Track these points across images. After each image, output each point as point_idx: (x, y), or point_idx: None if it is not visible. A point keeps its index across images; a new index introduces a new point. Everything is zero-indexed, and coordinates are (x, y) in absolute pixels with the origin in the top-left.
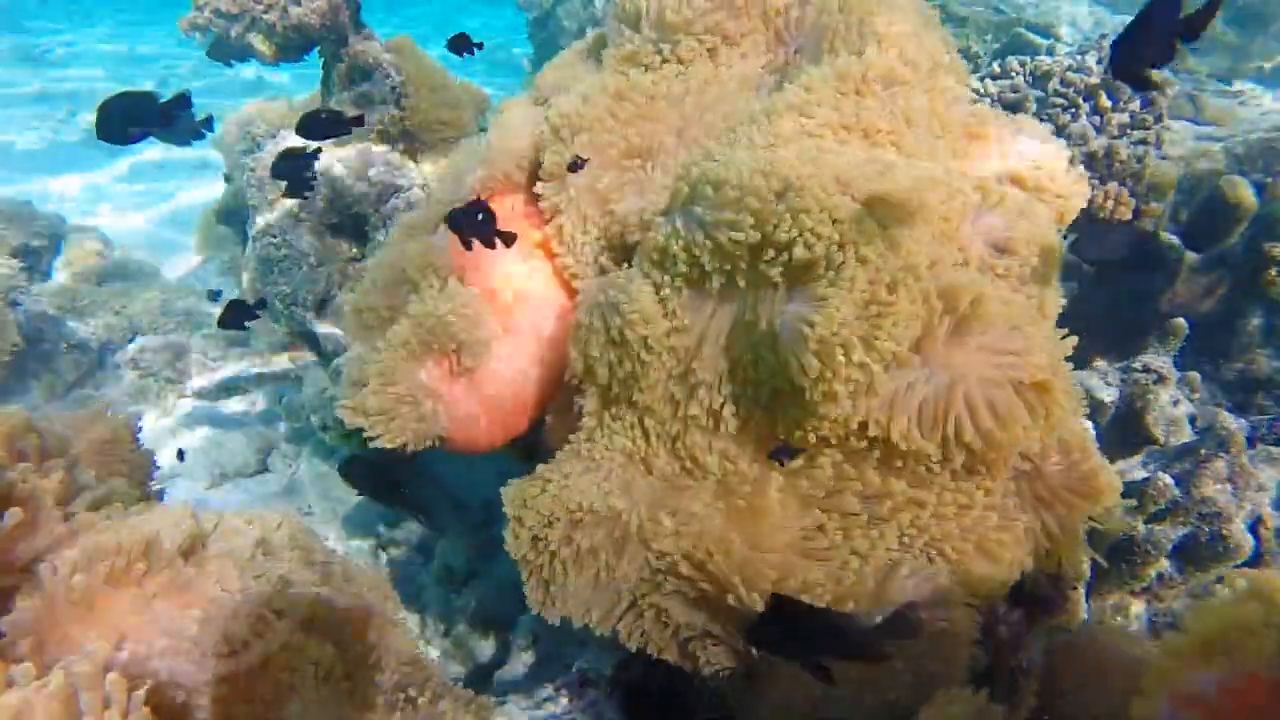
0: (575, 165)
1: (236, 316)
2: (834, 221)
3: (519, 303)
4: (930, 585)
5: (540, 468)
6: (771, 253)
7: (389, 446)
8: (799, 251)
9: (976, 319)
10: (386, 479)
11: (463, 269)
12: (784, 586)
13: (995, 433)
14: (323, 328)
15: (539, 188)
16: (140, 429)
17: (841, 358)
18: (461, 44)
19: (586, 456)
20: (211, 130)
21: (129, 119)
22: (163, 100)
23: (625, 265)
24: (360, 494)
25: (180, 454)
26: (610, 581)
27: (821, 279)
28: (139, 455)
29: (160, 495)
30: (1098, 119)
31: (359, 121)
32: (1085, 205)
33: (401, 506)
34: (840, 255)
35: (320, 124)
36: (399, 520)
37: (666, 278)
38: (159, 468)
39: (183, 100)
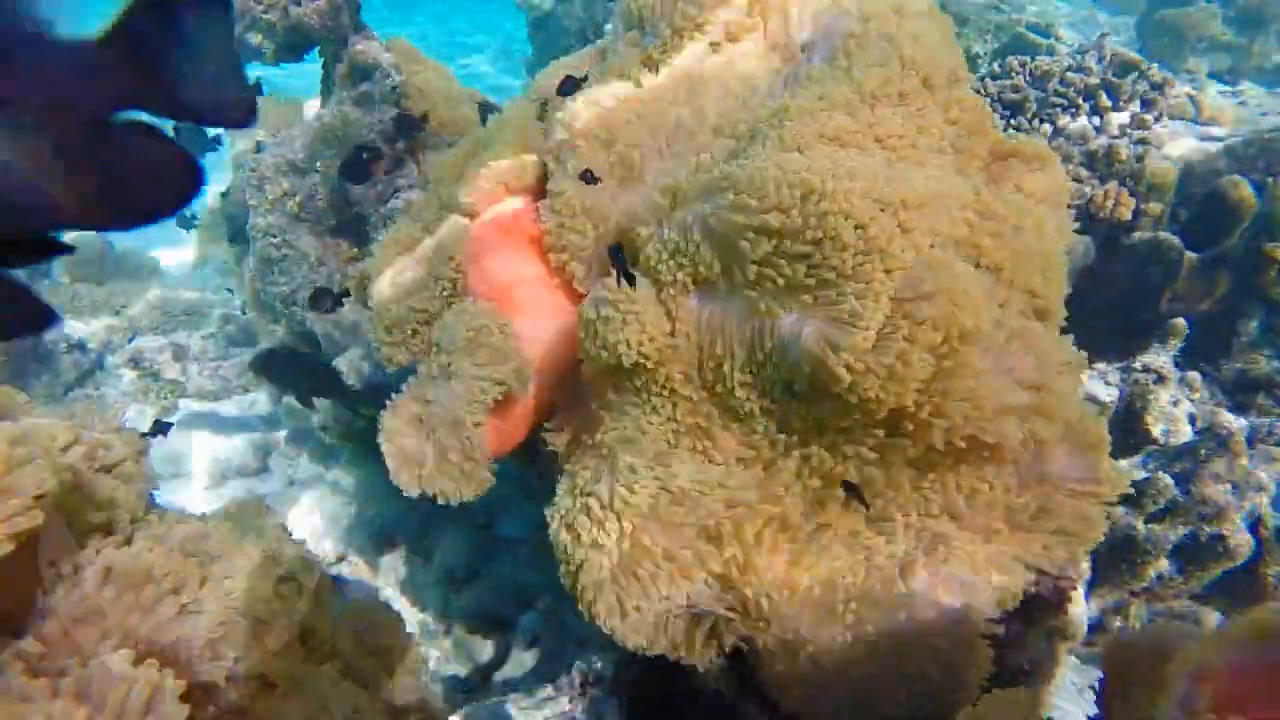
0: (587, 178)
1: (327, 301)
2: (858, 228)
3: (523, 308)
4: (951, 578)
5: (570, 484)
6: (790, 257)
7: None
8: (823, 257)
9: (984, 329)
10: (306, 368)
11: (473, 272)
12: (802, 574)
13: (1007, 437)
14: (323, 328)
15: (543, 200)
16: (141, 432)
17: (865, 370)
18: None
19: (605, 462)
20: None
21: None
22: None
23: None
24: (275, 386)
25: (164, 427)
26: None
27: (845, 287)
28: (140, 454)
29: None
30: (1098, 119)
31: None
32: (1082, 204)
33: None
34: (865, 264)
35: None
36: (399, 520)
37: (671, 278)
38: (159, 481)
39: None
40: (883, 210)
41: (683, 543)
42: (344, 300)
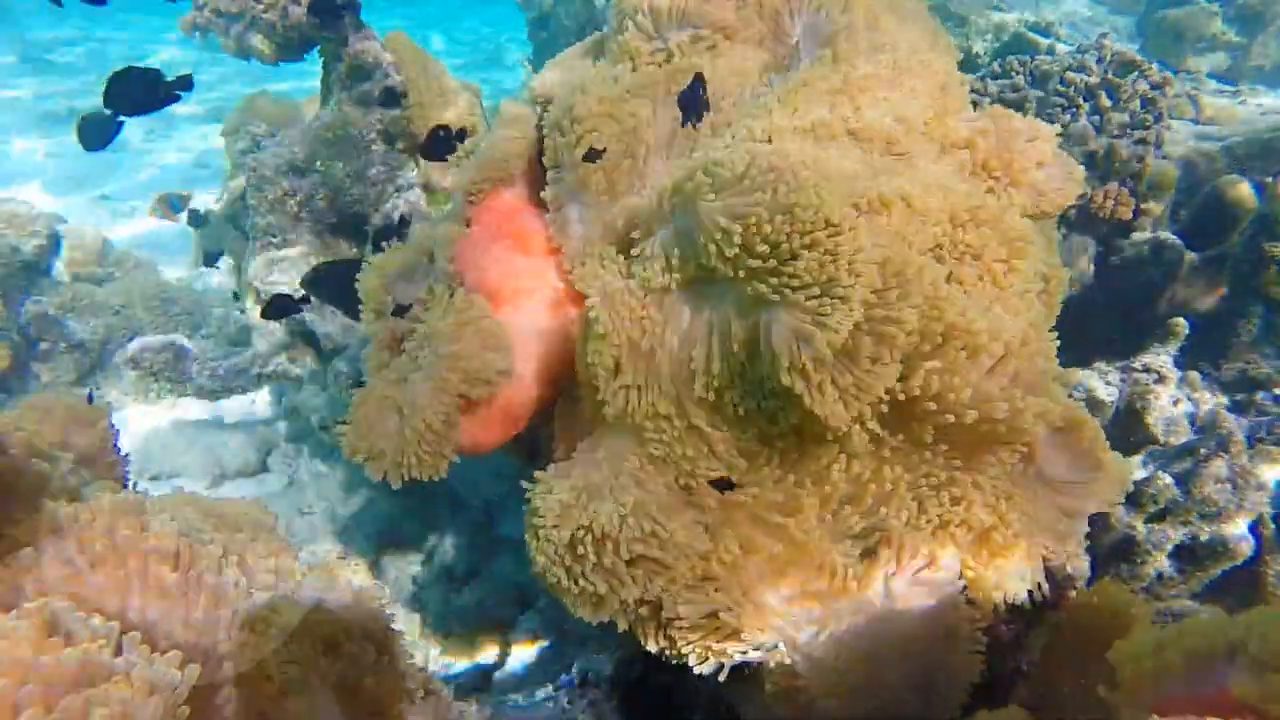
0: (592, 156)
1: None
2: (829, 224)
3: (519, 302)
4: (936, 583)
5: (552, 477)
6: (768, 255)
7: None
8: (799, 255)
9: (963, 327)
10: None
11: (466, 268)
12: (786, 581)
13: (993, 427)
14: (322, 327)
15: (545, 193)
16: (116, 431)
17: (835, 370)
18: None
19: (593, 462)
20: (190, 89)
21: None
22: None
23: (625, 261)
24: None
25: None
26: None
27: (816, 286)
28: (116, 455)
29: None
30: (1098, 119)
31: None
32: (1082, 204)
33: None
34: (834, 264)
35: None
36: (399, 520)
37: (660, 282)
38: (129, 475)
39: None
40: (856, 210)
41: (648, 553)
42: (302, 306)
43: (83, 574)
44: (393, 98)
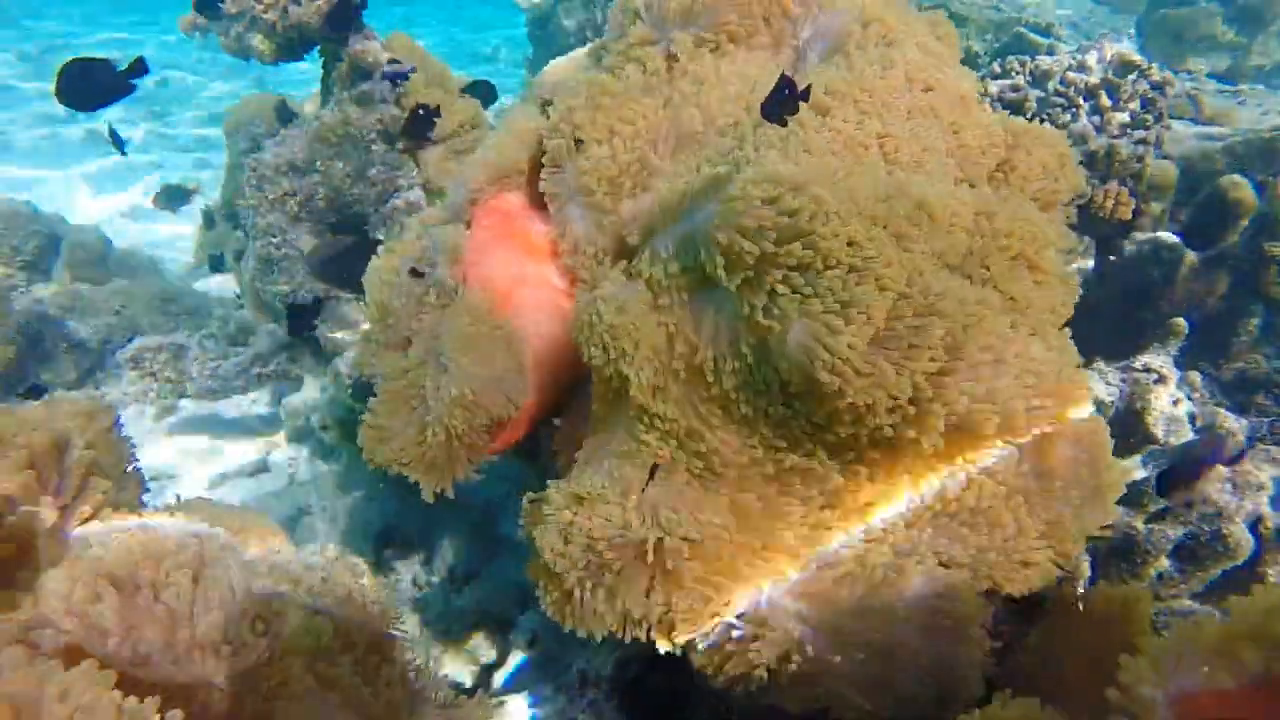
0: (577, 143)
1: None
2: (850, 242)
3: (523, 305)
4: (944, 581)
5: (558, 482)
6: (782, 263)
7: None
8: (821, 274)
9: (980, 338)
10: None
11: (469, 270)
12: (791, 579)
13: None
14: (322, 327)
15: (542, 187)
16: (122, 427)
17: (854, 378)
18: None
19: (598, 463)
20: (147, 71)
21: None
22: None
23: (628, 264)
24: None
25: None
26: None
27: (835, 297)
28: (121, 451)
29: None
30: (1098, 119)
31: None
32: (1082, 204)
33: None
34: (855, 276)
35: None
36: (399, 520)
37: (668, 284)
38: (142, 472)
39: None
40: (876, 222)
41: (651, 559)
42: (319, 309)
43: (106, 618)
44: (393, 97)
